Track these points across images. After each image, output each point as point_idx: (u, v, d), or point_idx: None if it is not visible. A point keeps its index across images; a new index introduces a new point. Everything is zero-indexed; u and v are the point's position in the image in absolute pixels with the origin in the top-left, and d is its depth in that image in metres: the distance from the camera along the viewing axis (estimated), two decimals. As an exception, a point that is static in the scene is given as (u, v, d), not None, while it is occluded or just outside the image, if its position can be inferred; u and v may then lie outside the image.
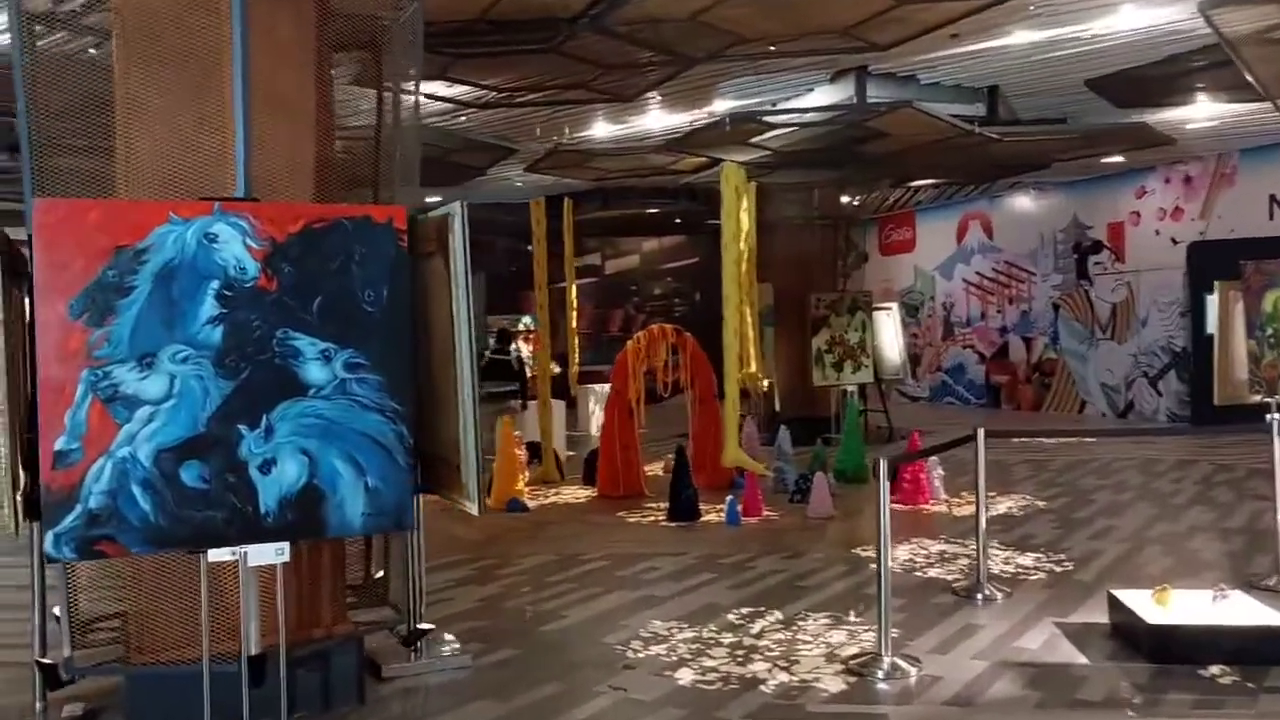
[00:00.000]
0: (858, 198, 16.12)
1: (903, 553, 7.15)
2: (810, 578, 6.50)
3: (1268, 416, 9.22)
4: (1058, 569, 6.63)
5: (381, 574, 5.03)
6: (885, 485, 4.80)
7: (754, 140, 10.98)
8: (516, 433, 10.02)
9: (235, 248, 3.60)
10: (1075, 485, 9.84)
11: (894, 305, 15.66)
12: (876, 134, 10.55)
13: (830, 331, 14.45)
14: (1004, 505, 8.96)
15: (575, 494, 9.96)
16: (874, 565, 6.67)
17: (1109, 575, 6.40)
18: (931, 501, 9.12)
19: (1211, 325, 14.11)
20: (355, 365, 3.74)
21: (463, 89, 9.74)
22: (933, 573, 6.59)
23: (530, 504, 9.37)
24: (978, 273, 18.85)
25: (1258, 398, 8.88)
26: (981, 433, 6.14)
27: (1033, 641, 5.16)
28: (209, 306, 3.56)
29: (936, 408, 19.04)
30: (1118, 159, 14.56)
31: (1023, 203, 17.88)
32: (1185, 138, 12.90)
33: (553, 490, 10.12)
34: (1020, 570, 6.61)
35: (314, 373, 3.69)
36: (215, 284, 3.57)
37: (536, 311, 12.38)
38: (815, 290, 14.52)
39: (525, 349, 13.13)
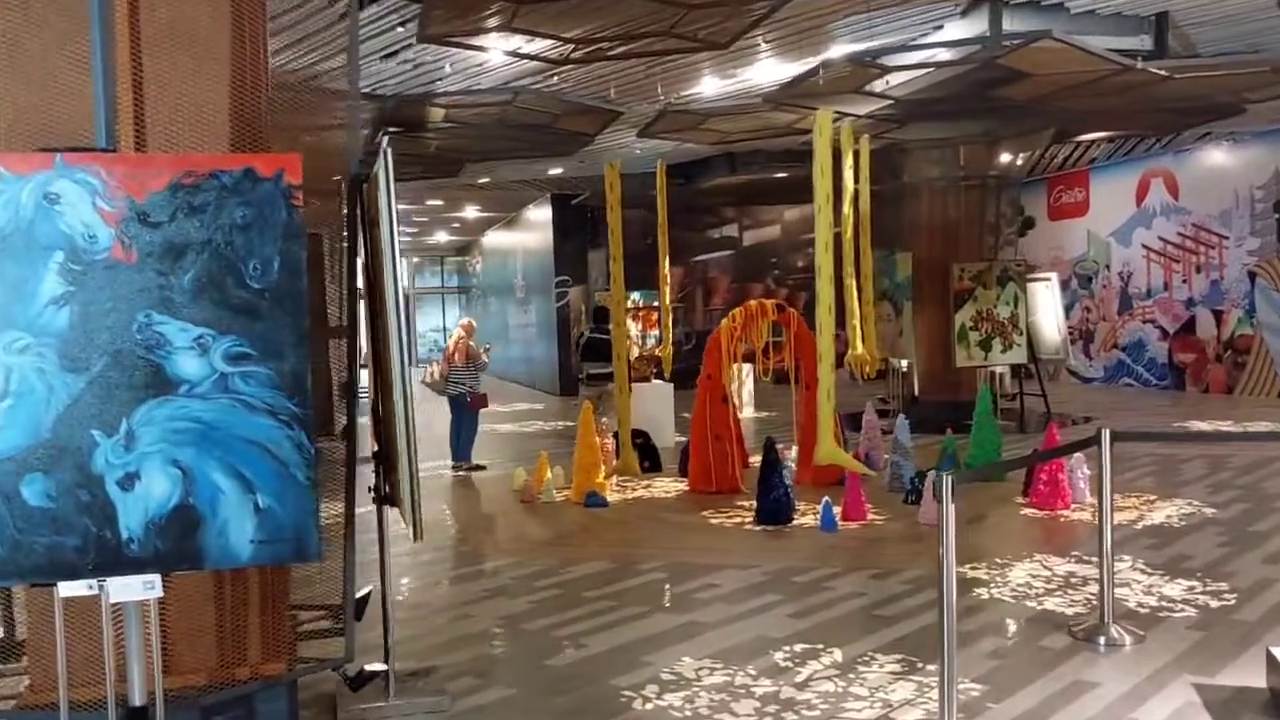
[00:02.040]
0: (1020, 156, 14.43)
1: (1019, 574, 5.96)
2: (894, 604, 5.44)
3: None
4: (1213, 603, 5.31)
5: (369, 591, 4.35)
6: (949, 510, 3.74)
7: (871, 89, 9.73)
8: (604, 419, 9.29)
9: (83, 210, 2.94)
10: (1257, 489, 8.22)
11: (1053, 275, 13.94)
12: (1015, 75, 9.10)
13: (976, 306, 13.01)
14: (1162, 513, 7.52)
15: (666, 488, 9.13)
16: (983, 591, 5.59)
17: (1278, 618, 5.04)
18: (1073, 506, 7.78)
19: None
20: (239, 356, 3.04)
21: (543, 44, 8.99)
22: (1050, 603, 5.39)
23: (614, 498, 8.62)
24: (1160, 238, 16.71)
25: None
26: (1107, 435, 4.89)
27: (1159, 711, 3.97)
28: (51, 284, 2.93)
29: (1112, 390, 17.08)
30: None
31: (1214, 157, 15.64)
32: None
33: (643, 483, 9.33)
34: (1164, 604, 5.33)
35: (186, 366, 3.00)
36: (59, 256, 2.93)
37: (660, 286, 11.62)
38: (962, 260, 13.09)
39: (633, 327, 12.30)
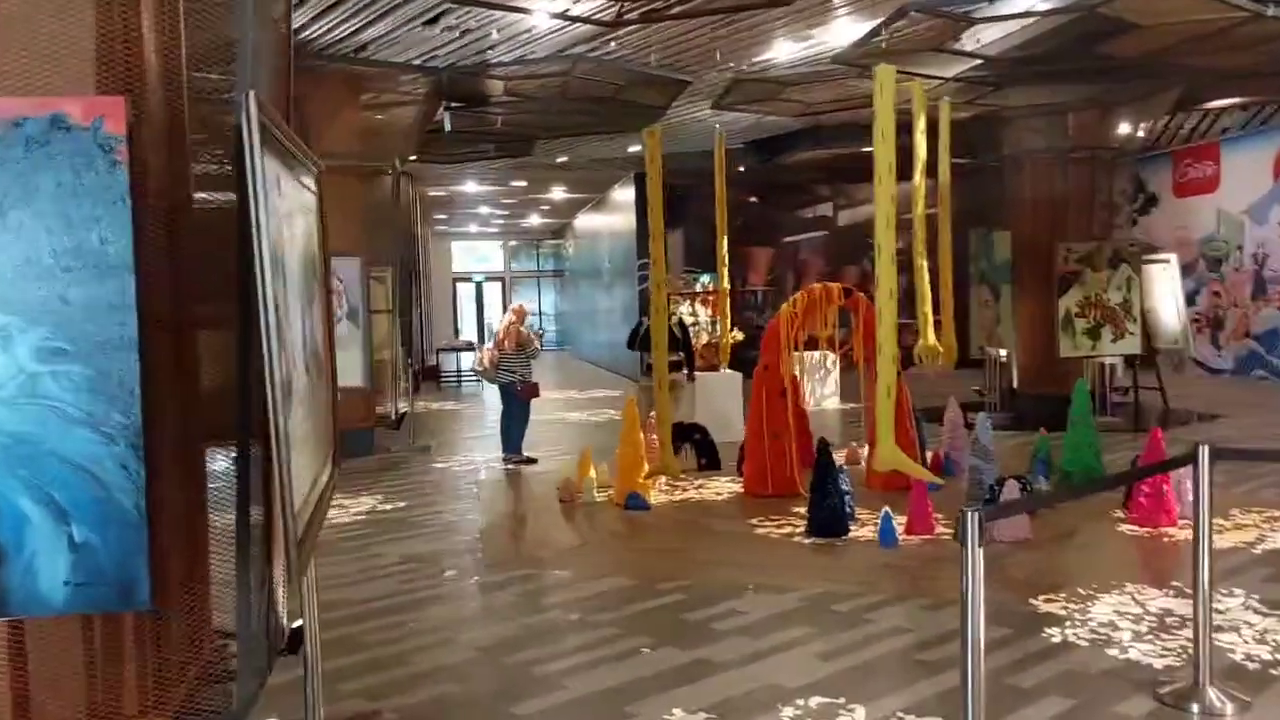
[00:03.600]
0: (1138, 126, 13.07)
1: (1104, 610, 5.04)
2: (944, 646, 4.61)
3: None
4: (1346, 660, 4.32)
5: (299, 625, 3.79)
6: (974, 550, 2.94)
7: (959, 47, 8.72)
8: (651, 414, 8.60)
9: None
10: None
11: (1172, 257, 12.57)
12: (1122, 26, 7.99)
13: (1084, 290, 11.82)
14: (1285, 535, 6.43)
15: (720, 490, 8.40)
16: (1056, 633, 4.71)
17: None
18: (1180, 523, 6.72)
19: None
20: (51, 353, 2.47)
21: (592, 3, 8.33)
22: (1137, 651, 4.48)
23: (660, 499, 7.95)
24: (1304, 216, 15.02)
25: None
26: (1206, 452, 3.97)
27: (1263, 817, 3.09)
28: None
29: (1242, 383, 15.50)
30: None
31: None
32: None
33: (697, 483, 8.61)
34: (1279, 657, 4.36)
35: (-17, 364, 2.45)
36: None
37: (719, 268, 10.89)
38: (1069, 239, 11.90)
39: (703, 312, 11.57)
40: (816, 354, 13.77)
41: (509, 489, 8.84)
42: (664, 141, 15.62)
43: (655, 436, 8.28)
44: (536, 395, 9.91)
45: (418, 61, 10.03)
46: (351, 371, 9.39)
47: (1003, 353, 12.78)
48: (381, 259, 11.16)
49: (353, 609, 5.30)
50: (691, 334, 11.42)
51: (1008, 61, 9.35)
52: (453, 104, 11.44)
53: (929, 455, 8.82)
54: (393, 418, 11.76)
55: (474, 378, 15.38)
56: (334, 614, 5.09)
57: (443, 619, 5.12)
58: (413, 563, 6.24)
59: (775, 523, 7.14)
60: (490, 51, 9.74)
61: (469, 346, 18.74)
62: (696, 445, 9.22)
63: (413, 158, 14.56)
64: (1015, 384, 12.51)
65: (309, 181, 3.63)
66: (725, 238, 10.43)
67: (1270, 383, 15.32)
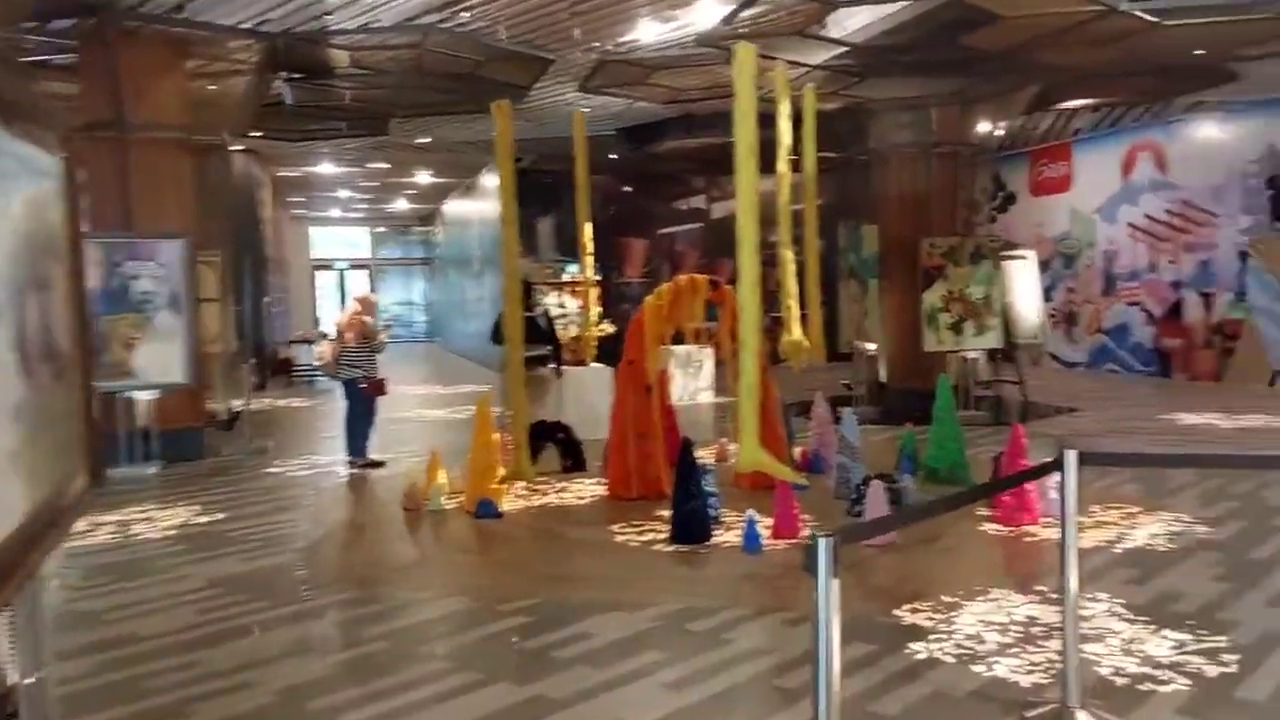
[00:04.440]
0: (997, 123, 13.22)
1: (969, 620, 4.80)
2: (808, 669, 4.26)
3: None
4: (1209, 669, 4.16)
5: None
6: (826, 582, 2.55)
7: (824, 33, 8.49)
8: (502, 412, 8.08)
9: None
10: (1255, 501, 7.09)
11: (1030, 253, 12.77)
12: (984, 17, 7.88)
13: (947, 285, 11.85)
14: (1146, 531, 6.38)
15: (583, 493, 7.94)
16: (921, 648, 4.43)
17: (1298, 695, 3.91)
18: (1043, 521, 6.62)
19: None
20: None
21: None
22: (1004, 668, 4.23)
23: (516, 506, 7.44)
24: (1147, 215, 15.56)
25: None
26: (1073, 458, 3.72)
27: None
28: None
29: (1095, 376, 15.99)
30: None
31: (1205, 129, 14.46)
32: None
33: (557, 487, 8.13)
34: (1147, 670, 4.17)
35: None
36: None
37: (581, 255, 10.43)
38: (933, 234, 11.92)
39: (571, 304, 11.08)
40: (687, 348, 13.47)
41: (348, 497, 8.17)
42: (533, 125, 15.17)
43: (507, 438, 7.76)
44: (383, 393, 9.23)
45: (248, 25, 9.20)
46: (172, 367, 8.52)
47: (871, 347, 12.75)
48: (212, 242, 10.23)
49: (140, 646, 4.60)
50: (559, 326, 10.85)
51: (872, 51, 9.18)
52: (291, 75, 10.61)
53: (798, 452, 8.60)
54: (224, 417, 10.84)
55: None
56: (117, 653, 4.42)
57: (244, 656, 4.47)
58: (220, 587, 5.54)
59: (637, 529, 6.73)
60: (328, 17, 9.01)
61: (325, 338, 17.74)
62: (560, 445, 8.75)
63: (255, 133, 13.58)
64: (883, 378, 12.50)
65: (41, 146, 2.97)
66: (589, 225, 9.99)
67: (1120, 375, 15.86)
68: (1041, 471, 4.11)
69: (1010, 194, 18.41)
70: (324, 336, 11.59)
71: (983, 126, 12.51)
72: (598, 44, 10.26)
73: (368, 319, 8.97)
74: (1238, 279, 13.99)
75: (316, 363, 9.24)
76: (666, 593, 5.37)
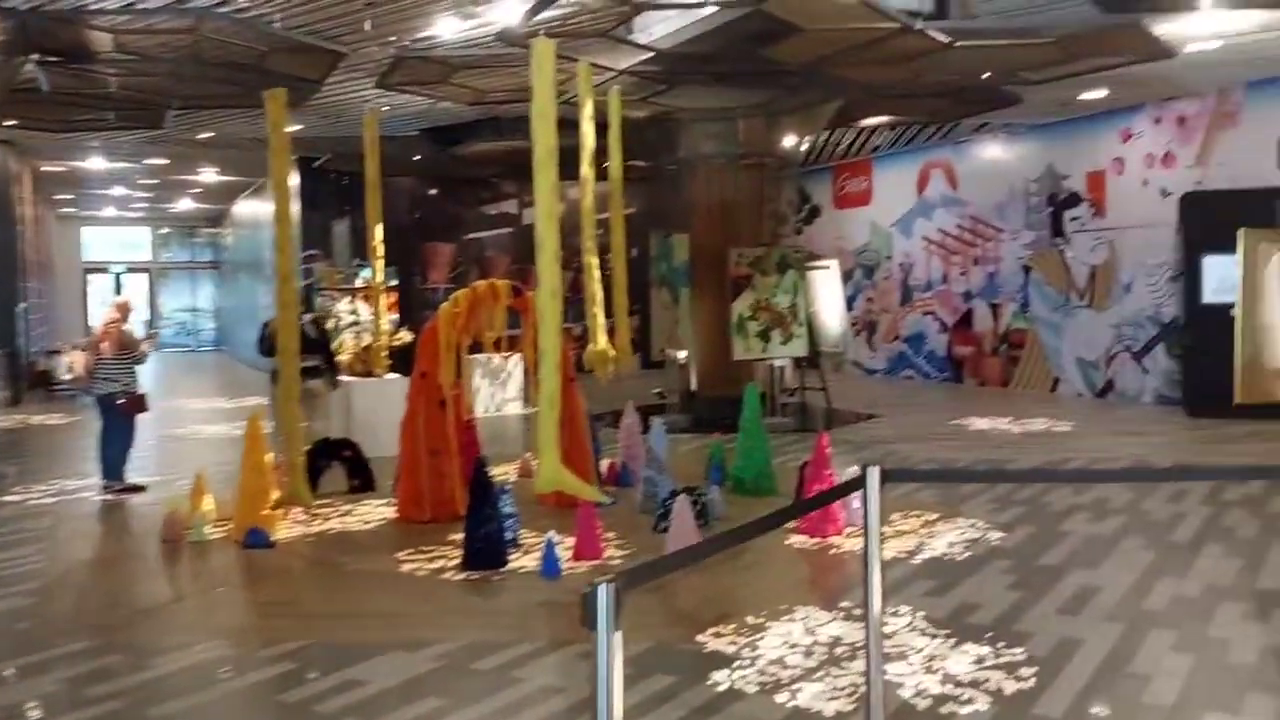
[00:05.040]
0: (802, 136, 13.45)
1: (774, 642, 4.59)
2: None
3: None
4: (1008, 683, 4.09)
5: None
6: (606, 639, 2.19)
7: (631, 37, 8.25)
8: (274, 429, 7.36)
9: None
10: (1041, 506, 7.30)
11: (833, 264, 13.05)
12: (786, 29, 7.84)
13: (755, 294, 11.90)
14: (944, 540, 6.42)
15: (371, 516, 7.33)
16: (724, 677, 4.15)
17: (1092, 702, 3.87)
18: (847, 531, 6.56)
19: (1213, 293, 11.71)
20: None
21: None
22: (807, 695, 4.02)
23: (294, 533, 6.75)
24: (940, 229, 16.28)
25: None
26: (875, 474, 3.54)
27: None
28: None
29: (894, 382, 16.58)
30: (1100, 94, 11.97)
31: (991, 149, 15.26)
32: (1182, 67, 10.30)
33: (342, 509, 7.48)
34: (949, 689, 4.06)
35: None
36: None
37: (371, 258, 9.78)
38: (741, 244, 11.94)
39: (364, 310, 10.37)
40: (492, 355, 12.96)
41: (98, 527, 7.23)
42: (330, 123, 14.28)
43: (282, 459, 7.05)
44: (143, 410, 8.25)
45: (-6, -1, 8.08)
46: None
47: (682, 355, 12.65)
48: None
49: None
50: (351, 335, 10.12)
51: (678, 58, 9.03)
52: (46, 58, 9.45)
53: (605, 465, 8.31)
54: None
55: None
56: None
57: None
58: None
59: (427, 555, 6.21)
60: (85, -5, 8.03)
61: (74, 348, 16.07)
62: (347, 464, 8.09)
63: (8, 122, 12.13)
64: (694, 386, 12.42)
65: None
66: (380, 227, 9.38)
67: (916, 381, 16.49)
68: (845, 490, 3.92)
69: (815, 207, 18.92)
70: (74, 346, 10.40)
71: (788, 140, 12.68)
72: (394, 39, 9.66)
73: (126, 327, 8.01)
74: (1021, 291, 14.78)
75: (66, 376, 8.17)
76: (454, 627, 4.92)
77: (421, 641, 4.63)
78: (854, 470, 7.12)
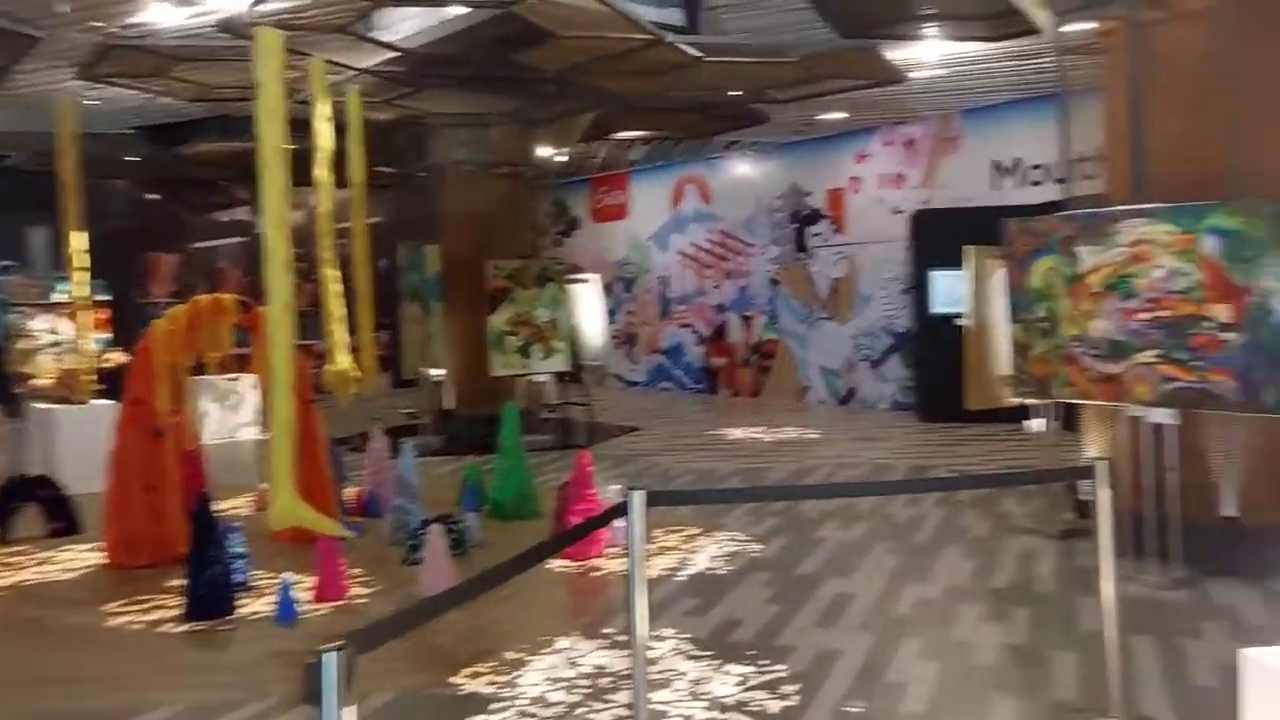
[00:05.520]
0: (558, 147, 13.31)
1: (535, 679, 4.31)
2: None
3: (1030, 423, 7.30)
4: (772, 702, 4.02)
5: None
6: (334, 712, 1.84)
7: (373, 33, 7.76)
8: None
9: None
10: (795, 516, 7.43)
11: (594, 276, 12.99)
12: (537, 34, 7.64)
13: (514, 308, 11.59)
14: (706, 554, 6.38)
15: (73, 563, 6.41)
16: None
17: (852, 716, 3.86)
18: (608, 553, 6.38)
19: (941, 304, 12.59)
20: None
21: None
22: (569, 735, 3.76)
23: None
24: (694, 243, 16.65)
25: (1022, 400, 6.86)
26: (640, 498, 3.35)
27: None
28: None
29: (653, 394, 16.75)
30: (839, 115, 12.63)
31: (740, 166, 15.79)
32: (910, 91, 11.03)
33: (39, 556, 6.51)
34: (715, 714, 3.93)
35: None
36: None
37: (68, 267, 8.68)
38: (498, 256, 11.59)
39: (66, 328, 9.18)
40: (222, 376, 11.87)
41: None
42: (24, 116, 12.64)
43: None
44: None
45: None
46: None
47: (435, 372, 12.14)
48: None
49: None
50: (51, 356, 8.93)
51: (424, 59, 8.61)
52: None
53: (350, 494, 7.73)
54: None
55: None
56: None
57: None
58: None
59: (142, 606, 5.47)
60: None
61: None
62: (45, 504, 7.06)
63: None
64: (449, 405, 11.94)
65: None
66: (83, 234, 8.35)
67: (675, 393, 16.76)
68: (610, 516, 3.71)
69: (573, 219, 18.90)
70: None
71: (543, 150, 12.50)
72: (100, 24, 8.62)
73: None
74: (770, 304, 15.35)
75: None
76: (175, 688, 4.30)
77: (137, 707, 4.00)
78: (616, 489, 6.98)
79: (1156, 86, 5.45)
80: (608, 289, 15.76)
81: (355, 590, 5.68)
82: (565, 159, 14.82)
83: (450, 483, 8.27)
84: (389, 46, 8.17)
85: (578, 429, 12.09)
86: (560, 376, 12.48)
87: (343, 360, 6.74)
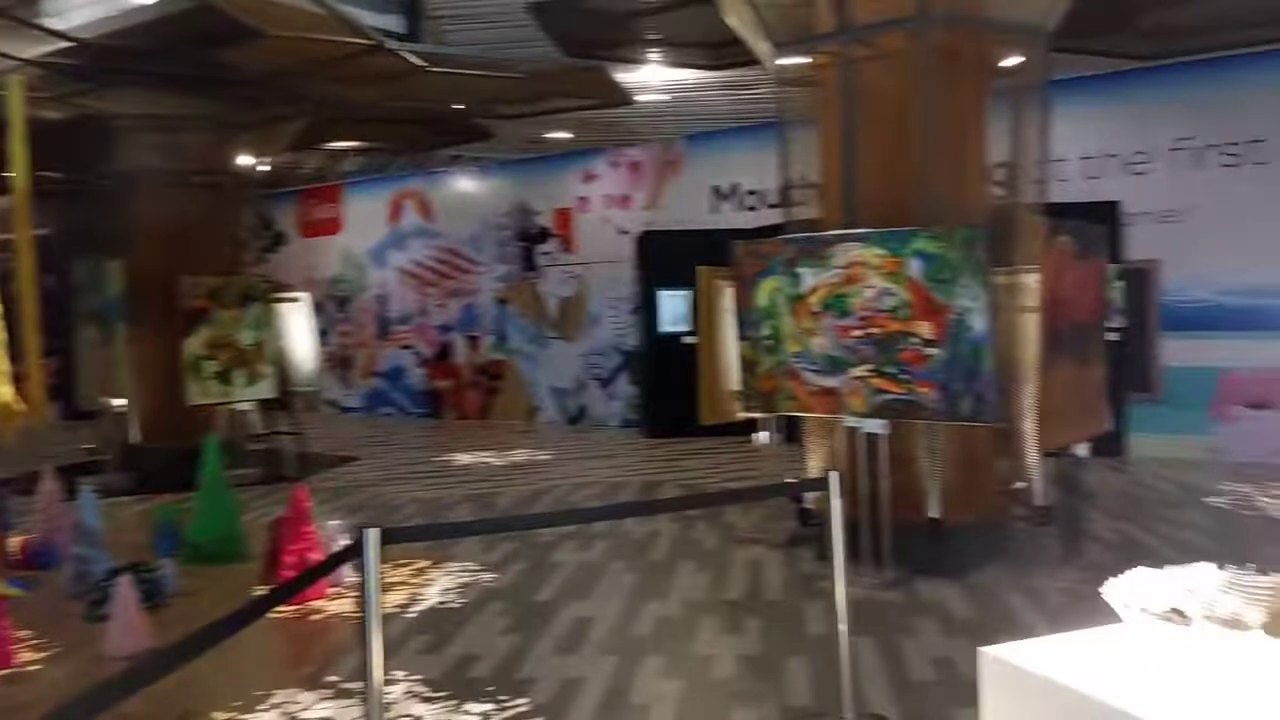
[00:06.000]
0: (264, 156, 12.37)
1: (247, 747, 3.82)
2: None
3: (757, 435, 7.56)
4: (519, 746, 3.80)
5: None
6: None
7: (33, 20, 6.80)
8: None
9: None
10: (528, 541, 7.24)
11: (304, 296, 12.17)
12: (242, 31, 7.02)
13: (213, 330, 10.59)
14: (438, 587, 6.05)
15: None
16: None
17: (603, 757, 3.71)
18: (330, 593, 5.88)
19: (668, 323, 12.94)
20: None
21: None
22: (292, 807, 3.33)
23: None
24: (415, 260, 16.11)
25: (748, 414, 7.08)
26: (374, 536, 3.02)
27: None
28: None
29: (372, 420, 15.98)
30: (564, 134, 12.70)
31: (464, 182, 15.49)
32: (635, 115, 11.29)
33: None
34: (456, 765, 3.65)
35: None
36: None
37: None
38: (194, 272, 10.53)
39: None
40: None
41: None
42: None
43: None
44: None
45: None
46: None
47: (120, 402, 10.84)
48: None
49: None
50: None
51: (106, 52, 7.68)
52: None
53: (17, 544, 6.67)
54: None
55: None
56: None
57: None
58: None
59: None
60: None
61: None
62: None
63: None
64: (137, 439, 10.69)
65: None
66: None
67: (396, 418, 16.10)
68: (341, 559, 3.34)
69: (280, 233, 17.75)
70: None
71: (247, 158, 11.57)
72: None
73: None
74: (498, 323, 15.12)
75: None
76: None
77: None
78: (336, 525, 6.49)
79: (864, 119, 5.81)
80: (319, 308, 14.85)
81: (26, 656, 4.85)
82: (269, 168, 13.85)
83: (140, 525, 7.39)
84: (60, 35, 7.19)
85: (288, 461, 11.23)
86: (267, 404, 11.58)
87: (3, 391, 5.77)
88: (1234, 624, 1.91)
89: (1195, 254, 9.61)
